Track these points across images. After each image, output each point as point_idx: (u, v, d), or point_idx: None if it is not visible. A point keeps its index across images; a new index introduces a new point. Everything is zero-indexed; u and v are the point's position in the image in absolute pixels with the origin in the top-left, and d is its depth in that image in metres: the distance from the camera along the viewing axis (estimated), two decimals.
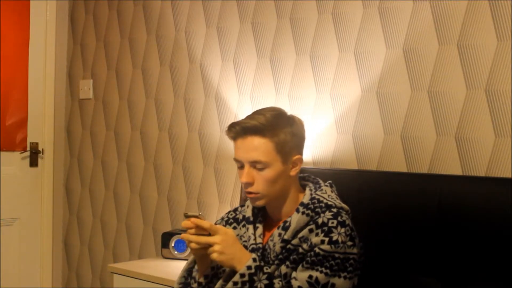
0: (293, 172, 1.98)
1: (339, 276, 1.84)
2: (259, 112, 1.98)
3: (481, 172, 2.27)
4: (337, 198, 2.00)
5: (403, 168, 2.48)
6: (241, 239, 2.04)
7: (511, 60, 2.21)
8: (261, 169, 1.94)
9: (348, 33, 2.66)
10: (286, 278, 1.89)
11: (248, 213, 2.06)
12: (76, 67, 3.91)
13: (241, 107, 3.04)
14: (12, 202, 3.70)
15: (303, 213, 1.92)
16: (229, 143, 3.08)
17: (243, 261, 1.84)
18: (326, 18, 2.74)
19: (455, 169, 2.33)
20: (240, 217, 2.10)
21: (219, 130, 3.13)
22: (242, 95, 3.05)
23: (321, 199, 1.95)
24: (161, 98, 3.41)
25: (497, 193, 2.06)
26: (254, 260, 1.84)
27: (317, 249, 1.85)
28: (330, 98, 2.72)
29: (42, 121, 3.84)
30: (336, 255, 1.84)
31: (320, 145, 2.74)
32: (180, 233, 2.86)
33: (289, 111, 2.05)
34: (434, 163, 2.39)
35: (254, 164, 1.93)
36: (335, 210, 1.93)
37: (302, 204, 1.95)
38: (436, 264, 2.14)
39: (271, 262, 1.94)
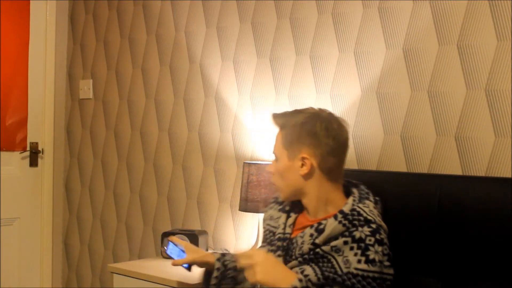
0: (302, 171, 1.93)
1: None
2: (297, 110, 2.04)
3: (481, 172, 2.27)
4: (378, 216, 1.93)
5: (403, 168, 2.48)
6: (271, 219, 2.07)
7: (511, 60, 2.21)
8: (276, 161, 2.00)
9: (348, 33, 2.66)
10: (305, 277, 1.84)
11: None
12: (76, 67, 3.91)
13: (241, 107, 3.04)
14: (12, 202, 3.70)
15: (340, 222, 1.86)
16: (229, 143, 3.08)
17: (288, 280, 1.80)
18: (326, 18, 2.74)
19: (455, 169, 2.33)
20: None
21: (219, 130, 3.13)
22: (242, 95, 3.05)
23: (362, 212, 1.88)
24: (161, 98, 3.41)
25: (497, 193, 2.06)
26: (300, 280, 1.80)
27: (354, 270, 1.80)
28: (330, 98, 2.72)
29: (42, 121, 3.84)
30: (372, 274, 1.79)
31: None
32: (180, 233, 2.86)
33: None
34: (434, 163, 2.39)
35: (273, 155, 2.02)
36: (374, 226, 1.85)
37: (341, 212, 1.89)
38: (436, 264, 2.14)
39: (293, 257, 1.91)
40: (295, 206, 2.05)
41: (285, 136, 1.95)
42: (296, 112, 2.02)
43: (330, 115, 2.00)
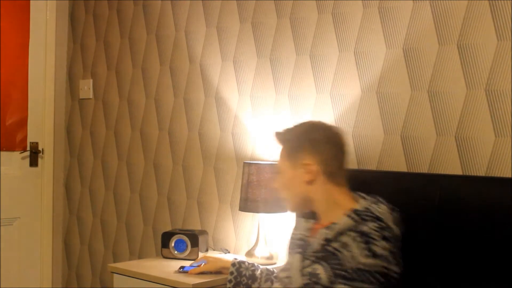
0: (306, 178, 1.97)
1: None
2: (296, 124, 2.10)
3: (481, 172, 2.27)
4: (391, 220, 1.93)
5: (403, 168, 2.48)
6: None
7: (511, 60, 2.21)
8: (280, 175, 2.06)
9: (348, 33, 2.66)
10: (316, 276, 1.87)
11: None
12: (76, 67, 3.91)
13: (241, 107, 3.04)
14: (12, 202, 3.70)
15: (351, 217, 1.89)
16: (229, 143, 3.08)
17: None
18: (326, 17, 2.74)
19: (455, 169, 2.33)
20: None
21: (219, 130, 3.13)
22: (242, 95, 3.04)
23: (374, 211, 1.91)
24: (161, 98, 3.41)
25: (497, 193, 2.06)
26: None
27: (360, 266, 1.81)
28: (330, 98, 2.72)
29: (42, 121, 3.84)
30: (376, 268, 1.81)
31: None
32: (180, 233, 2.87)
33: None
34: (434, 163, 2.39)
35: None
36: (383, 224, 1.87)
37: (354, 210, 1.92)
38: (436, 264, 2.14)
39: (307, 257, 1.95)
40: (311, 216, 2.11)
41: (287, 148, 2.01)
42: (296, 125, 2.08)
43: (327, 124, 2.10)
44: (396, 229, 1.92)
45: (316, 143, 1.97)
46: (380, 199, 2.03)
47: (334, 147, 2.00)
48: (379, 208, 1.94)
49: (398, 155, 2.49)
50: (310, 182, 1.98)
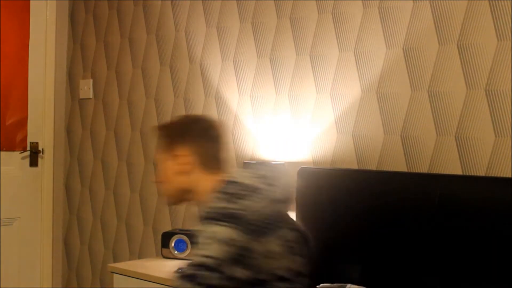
0: (182, 168, 1.96)
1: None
2: (173, 119, 2.13)
3: (481, 172, 2.27)
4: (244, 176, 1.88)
5: (403, 168, 2.48)
6: None
7: (511, 60, 2.21)
8: (160, 169, 2.06)
9: (348, 32, 2.66)
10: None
11: None
12: (76, 67, 3.91)
13: (241, 107, 3.04)
14: (12, 202, 3.70)
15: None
16: (229, 143, 3.07)
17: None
18: (326, 17, 2.74)
19: (455, 169, 2.33)
20: None
21: None
22: (242, 95, 3.05)
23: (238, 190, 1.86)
24: (161, 98, 3.41)
25: (497, 193, 2.06)
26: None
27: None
28: (330, 98, 2.72)
29: (42, 121, 3.84)
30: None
31: (320, 145, 2.74)
32: (180, 233, 2.86)
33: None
34: (434, 163, 2.39)
35: None
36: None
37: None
38: (436, 263, 2.14)
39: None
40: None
41: (164, 141, 2.02)
42: (174, 119, 2.12)
43: (204, 117, 2.13)
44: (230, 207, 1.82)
45: (191, 135, 2.00)
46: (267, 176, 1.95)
47: (209, 139, 2.01)
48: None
49: (398, 155, 2.49)
50: (186, 173, 1.97)
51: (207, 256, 1.69)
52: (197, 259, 1.71)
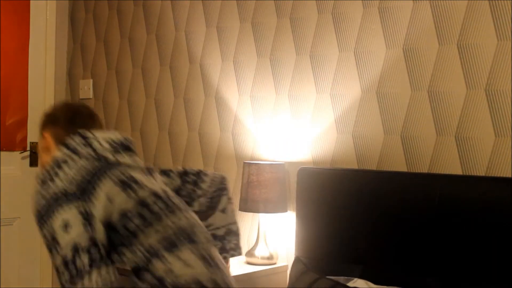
0: (45, 147, 2.15)
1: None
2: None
3: (481, 172, 2.27)
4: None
5: (403, 168, 2.48)
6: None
7: (511, 60, 2.21)
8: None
9: (348, 32, 2.66)
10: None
11: None
12: (76, 67, 3.91)
13: (241, 107, 3.04)
14: (12, 202, 3.70)
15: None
16: (229, 143, 3.07)
17: None
18: (326, 17, 2.74)
19: (455, 169, 2.33)
20: None
21: (219, 130, 3.13)
22: (242, 95, 3.05)
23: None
24: (161, 98, 3.42)
25: (497, 193, 2.06)
26: None
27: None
28: (330, 98, 2.72)
29: None
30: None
31: (320, 145, 2.74)
32: None
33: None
34: (434, 163, 2.39)
35: None
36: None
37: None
38: (436, 263, 2.14)
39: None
40: None
41: (40, 125, 2.23)
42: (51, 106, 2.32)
43: (71, 103, 2.26)
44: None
45: (52, 118, 2.20)
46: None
47: (67, 121, 2.19)
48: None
49: (398, 155, 2.49)
50: (47, 150, 2.18)
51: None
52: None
